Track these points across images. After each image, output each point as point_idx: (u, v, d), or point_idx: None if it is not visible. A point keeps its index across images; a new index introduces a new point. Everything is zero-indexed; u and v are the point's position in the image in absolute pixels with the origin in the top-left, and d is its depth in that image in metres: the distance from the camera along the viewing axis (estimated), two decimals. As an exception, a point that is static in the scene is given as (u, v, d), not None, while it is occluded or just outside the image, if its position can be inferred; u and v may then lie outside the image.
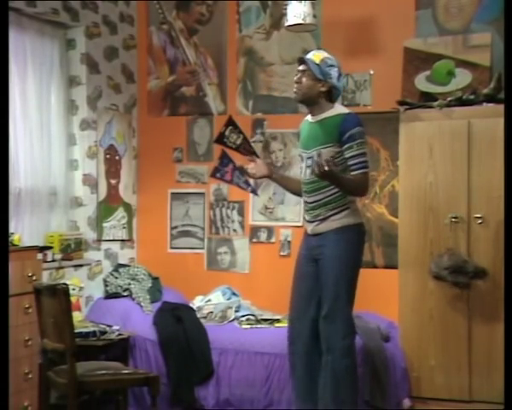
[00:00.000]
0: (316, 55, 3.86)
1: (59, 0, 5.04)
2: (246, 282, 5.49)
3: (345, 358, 3.74)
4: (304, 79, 3.81)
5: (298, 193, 4.09)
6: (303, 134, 3.95)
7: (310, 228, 3.87)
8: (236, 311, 5.11)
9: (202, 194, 5.72)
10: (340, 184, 3.67)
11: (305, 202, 3.90)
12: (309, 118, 3.94)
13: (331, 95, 3.85)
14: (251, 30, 5.63)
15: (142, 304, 5.08)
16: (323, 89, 3.81)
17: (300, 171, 3.95)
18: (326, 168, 3.48)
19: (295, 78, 3.86)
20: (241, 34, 5.65)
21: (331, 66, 3.83)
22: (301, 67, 3.85)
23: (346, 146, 3.71)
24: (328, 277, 3.76)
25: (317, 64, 3.80)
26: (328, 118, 3.80)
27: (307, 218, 3.89)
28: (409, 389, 4.59)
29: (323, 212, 3.79)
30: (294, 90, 3.86)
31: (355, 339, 3.86)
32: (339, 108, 3.85)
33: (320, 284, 3.81)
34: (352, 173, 3.71)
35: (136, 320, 4.91)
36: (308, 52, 4.02)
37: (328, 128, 3.77)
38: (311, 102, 3.86)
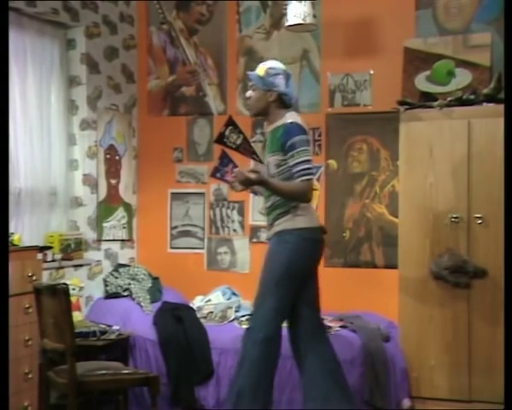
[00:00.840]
0: (260, 68, 3.93)
1: (59, 0, 5.04)
2: (246, 282, 5.48)
3: (250, 352, 3.78)
4: (252, 94, 3.93)
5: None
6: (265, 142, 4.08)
7: (267, 233, 3.97)
8: (236, 311, 5.11)
9: (202, 194, 5.73)
10: (274, 190, 3.79)
11: (264, 209, 3.99)
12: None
13: (283, 102, 3.90)
14: (251, 30, 5.63)
15: (142, 304, 5.08)
16: (272, 98, 3.88)
17: None
18: (240, 178, 3.74)
19: (246, 93, 4.02)
20: (241, 34, 5.66)
21: (275, 74, 3.88)
22: (250, 83, 3.98)
23: (288, 155, 3.79)
24: (260, 278, 3.87)
25: (261, 76, 3.88)
26: (276, 127, 3.89)
27: (267, 223, 3.96)
28: (409, 389, 4.59)
29: (272, 217, 3.89)
30: (247, 107, 4.01)
31: (267, 346, 3.81)
32: (288, 117, 3.86)
33: None
34: (296, 181, 3.78)
35: (136, 320, 4.91)
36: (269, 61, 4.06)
37: (275, 137, 3.86)
38: (263, 113, 3.96)
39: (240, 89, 5.63)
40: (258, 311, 3.85)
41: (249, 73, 4.01)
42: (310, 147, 3.87)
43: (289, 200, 3.82)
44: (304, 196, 3.81)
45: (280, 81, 3.88)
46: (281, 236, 3.84)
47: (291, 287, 3.83)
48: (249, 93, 3.95)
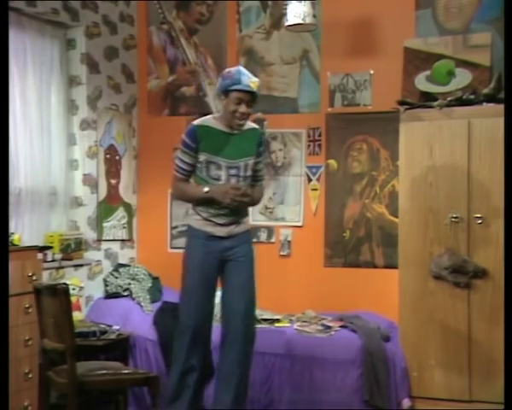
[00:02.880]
0: (254, 83, 3.83)
1: (59, 0, 5.04)
2: (246, 282, 5.48)
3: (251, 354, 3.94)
4: (249, 111, 3.84)
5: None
6: (215, 142, 3.85)
7: (224, 230, 3.89)
8: (236, 311, 5.10)
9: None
10: (252, 198, 3.94)
11: (224, 208, 3.85)
12: (218, 126, 3.87)
13: None
14: (251, 30, 5.63)
15: (142, 304, 5.08)
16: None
17: (217, 178, 3.86)
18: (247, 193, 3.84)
19: (244, 109, 3.80)
20: (241, 34, 5.65)
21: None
22: (247, 98, 3.80)
23: (259, 159, 3.96)
24: (244, 277, 3.93)
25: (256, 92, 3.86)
26: (247, 131, 3.91)
27: (220, 221, 3.88)
28: (409, 389, 4.59)
29: (241, 215, 3.94)
30: (242, 122, 3.84)
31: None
32: (248, 122, 3.94)
33: (225, 283, 3.94)
34: (258, 183, 4.03)
35: (136, 320, 4.91)
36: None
37: (250, 141, 3.90)
38: None
39: (240, 89, 5.62)
40: (252, 311, 3.96)
41: (255, 91, 3.81)
42: None
43: (255, 204, 4.12)
44: (262, 199, 4.21)
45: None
46: (249, 234, 4.04)
47: None
48: (246, 110, 3.80)
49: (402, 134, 4.73)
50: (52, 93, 5.16)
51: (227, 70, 3.90)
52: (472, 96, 4.65)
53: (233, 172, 3.86)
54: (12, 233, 4.33)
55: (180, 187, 3.95)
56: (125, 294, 5.23)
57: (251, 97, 3.81)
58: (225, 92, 3.81)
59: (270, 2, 5.56)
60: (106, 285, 5.34)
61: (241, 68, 3.87)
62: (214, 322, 4.95)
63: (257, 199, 4.07)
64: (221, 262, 3.91)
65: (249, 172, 3.92)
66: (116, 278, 5.35)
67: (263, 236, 5.51)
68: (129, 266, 5.56)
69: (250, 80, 3.80)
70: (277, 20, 5.50)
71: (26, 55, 4.88)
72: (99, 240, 5.44)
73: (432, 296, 4.62)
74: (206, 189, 3.82)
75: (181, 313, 3.92)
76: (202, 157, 3.84)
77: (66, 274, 5.02)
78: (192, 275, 3.90)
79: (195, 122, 3.91)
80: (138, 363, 4.74)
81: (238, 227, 3.93)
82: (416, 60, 4.98)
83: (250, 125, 3.97)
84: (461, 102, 4.65)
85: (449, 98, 4.69)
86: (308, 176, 5.43)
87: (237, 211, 3.89)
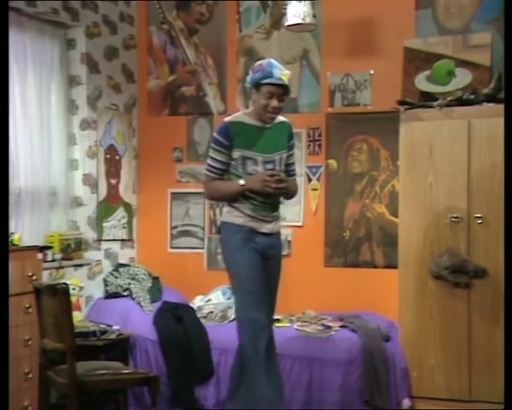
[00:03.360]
0: (285, 74, 3.76)
1: (59, 0, 5.04)
2: (246, 282, 5.48)
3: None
4: (281, 105, 3.79)
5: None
6: (249, 137, 3.78)
7: (268, 227, 3.83)
8: (236, 311, 5.11)
9: (202, 194, 5.71)
10: (288, 189, 3.86)
11: (264, 203, 3.79)
12: (250, 121, 3.81)
13: None
14: (251, 30, 5.63)
15: (143, 304, 5.08)
16: None
17: (254, 173, 3.77)
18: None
19: (277, 104, 3.75)
20: (241, 34, 5.65)
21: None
22: (278, 92, 3.74)
23: (291, 152, 3.95)
24: (276, 278, 3.93)
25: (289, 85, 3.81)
26: (278, 124, 3.88)
27: (266, 218, 3.81)
28: (409, 389, 4.59)
29: (278, 212, 3.92)
30: (273, 116, 3.79)
31: None
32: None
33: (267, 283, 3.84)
34: (291, 178, 3.96)
35: (136, 320, 4.91)
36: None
37: (281, 134, 3.88)
38: None
39: (240, 89, 5.63)
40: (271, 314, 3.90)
41: (287, 84, 3.74)
42: None
43: (290, 197, 4.03)
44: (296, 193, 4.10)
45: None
46: (280, 235, 3.99)
47: None
48: (278, 104, 3.74)
49: (402, 134, 4.73)
50: (52, 93, 5.16)
51: (258, 63, 3.80)
52: (472, 96, 4.65)
53: (269, 166, 3.80)
54: (12, 233, 4.33)
55: (214, 186, 3.85)
56: (125, 294, 5.23)
57: (283, 91, 3.74)
58: (256, 86, 3.73)
59: (270, 2, 5.56)
60: (106, 285, 5.34)
61: (273, 61, 3.77)
62: (214, 322, 4.99)
63: (292, 192, 3.97)
64: (262, 259, 3.81)
65: (283, 166, 3.87)
66: (116, 277, 5.35)
67: (263, 236, 5.51)
68: (129, 266, 5.56)
69: (282, 73, 3.71)
70: (277, 20, 5.50)
71: (26, 55, 4.88)
72: (99, 240, 5.44)
73: (432, 296, 4.62)
74: (242, 181, 3.73)
75: (241, 309, 3.77)
76: (237, 154, 3.77)
77: (66, 274, 5.02)
78: (243, 272, 3.76)
79: (227, 119, 3.84)
80: (138, 363, 4.74)
81: (276, 225, 3.89)
82: (416, 60, 4.98)
83: (279, 118, 3.90)
84: (461, 102, 4.65)
85: (449, 98, 4.68)
86: (308, 176, 5.43)
87: (275, 206, 3.85)
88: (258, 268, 3.76)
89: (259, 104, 3.74)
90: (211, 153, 3.82)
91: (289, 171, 3.95)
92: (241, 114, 3.89)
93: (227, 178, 3.84)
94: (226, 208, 3.88)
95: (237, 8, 5.66)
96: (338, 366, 4.39)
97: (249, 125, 3.80)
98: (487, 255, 4.51)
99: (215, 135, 3.82)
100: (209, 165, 3.83)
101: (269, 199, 3.79)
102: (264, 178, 3.70)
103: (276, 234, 3.91)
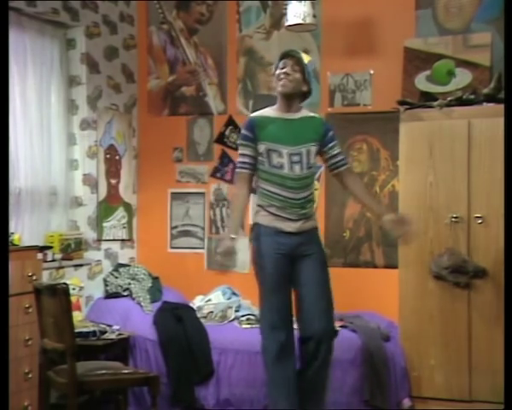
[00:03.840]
0: (304, 55, 3.89)
1: (59, 0, 5.04)
2: (246, 282, 5.46)
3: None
4: (293, 73, 3.80)
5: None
6: (274, 129, 3.80)
7: (294, 226, 3.78)
8: (236, 311, 5.11)
9: (202, 194, 5.73)
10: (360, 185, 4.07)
11: (290, 199, 3.77)
12: (276, 114, 3.86)
13: (305, 97, 3.92)
14: (251, 30, 5.63)
15: (143, 304, 5.08)
16: (305, 88, 3.87)
17: (280, 166, 3.79)
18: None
19: (286, 69, 3.79)
20: (241, 34, 5.65)
21: (312, 69, 3.95)
22: (291, 62, 3.82)
23: (330, 145, 3.89)
24: (319, 273, 3.82)
25: (306, 63, 3.85)
26: (306, 117, 3.89)
27: (292, 217, 3.78)
28: (409, 389, 4.59)
29: (309, 210, 3.86)
30: (283, 82, 3.79)
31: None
32: (308, 111, 3.95)
33: (299, 281, 3.80)
34: (341, 169, 3.93)
35: (136, 320, 4.91)
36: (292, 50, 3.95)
37: (310, 127, 3.86)
38: (294, 97, 3.86)
39: (240, 89, 5.63)
40: (329, 310, 3.83)
41: (298, 55, 3.84)
42: None
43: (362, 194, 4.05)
44: None
45: (312, 79, 3.94)
46: (316, 233, 3.92)
47: None
48: (289, 70, 3.78)
49: (402, 134, 4.73)
50: (52, 93, 5.15)
51: None
52: (472, 96, 4.66)
53: (296, 158, 3.78)
54: (12, 233, 4.33)
55: (233, 194, 3.89)
56: (125, 294, 5.23)
57: (294, 61, 3.80)
58: (276, 71, 3.85)
59: (270, 2, 5.56)
60: (106, 285, 5.34)
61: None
62: (214, 322, 4.99)
63: (362, 185, 4.06)
64: (292, 259, 3.78)
65: (312, 160, 3.83)
66: (116, 277, 5.35)
67: (263, 236, 5.50)
68: (129, 265, 5.56)
69: (294, 50, 3.86)
70: (277, 20, 5.50)
71: (26, 55, 4.88)
72: (99, 240, 5.44)
73: (432, 296, 4.62)
74: (234, 236, 3.74)
75: (265, 310, 3.84)
76: (262, 147, 3.78)
77: (66, 274, 5.02)
78: (268, 275, 3.77)
79: (253, 114, 3.94)
80: (138, 363, 4.74)
81: (307, 223, 3.83)
82: (416, 60, 4.98)
83: (309, 113, 3.93)
84: (461, 102, 4.65)
85: (449, 98, 4.69)
86: (308, 176, 5.42)
87: (304, 204, 3.81)
88: (284, 277, 3.77)
89: (275, 80, 3.85)
90: (239, 150, 3.90)
91: (338, 162, 3.91)
92: (267, 109, 3.94)
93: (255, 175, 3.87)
94: (256, 207, 3.92)
95: (237, 8, 5.66)
96: (338, 366, 4.38)
97: (274, 118, 3.84)
98: (487, 255, 4.51)
99: (242, 131, 3.91)
100: (238, 162, 3.91)
101: (297, 194, 3.78)
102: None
103: (308, 232, 3.83)
